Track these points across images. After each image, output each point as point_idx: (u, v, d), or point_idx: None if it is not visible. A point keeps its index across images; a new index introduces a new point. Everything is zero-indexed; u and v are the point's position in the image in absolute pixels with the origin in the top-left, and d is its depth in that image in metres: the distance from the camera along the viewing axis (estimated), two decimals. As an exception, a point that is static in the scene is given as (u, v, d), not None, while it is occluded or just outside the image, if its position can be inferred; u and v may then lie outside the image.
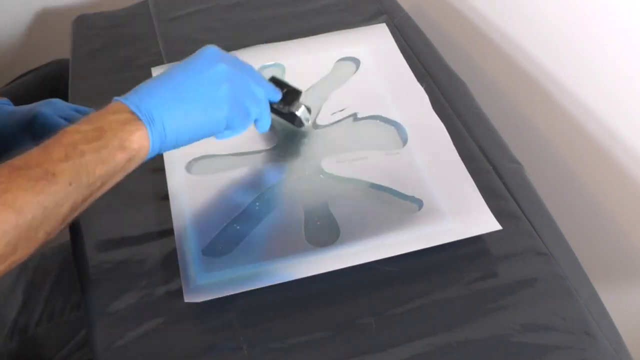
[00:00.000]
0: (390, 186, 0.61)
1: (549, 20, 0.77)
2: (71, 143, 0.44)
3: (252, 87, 0.54)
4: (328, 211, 0.60)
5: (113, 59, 0.82)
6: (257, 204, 0.61)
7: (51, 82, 0.92)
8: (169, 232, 0.59)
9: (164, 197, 0.62)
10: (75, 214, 0.46)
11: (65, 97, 0.77)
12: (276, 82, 0.62)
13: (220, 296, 0.53)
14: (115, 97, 0.49)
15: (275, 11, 0.87)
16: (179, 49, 0.81)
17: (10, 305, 0.72)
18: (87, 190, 0.45)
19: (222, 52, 0.54)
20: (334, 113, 0.69)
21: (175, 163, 0.64)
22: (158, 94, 0.49)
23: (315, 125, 0.69)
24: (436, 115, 0.67)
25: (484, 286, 0.55)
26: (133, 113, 0.47)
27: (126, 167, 0.47)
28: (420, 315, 0.53)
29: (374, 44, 0.77)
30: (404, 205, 0.60)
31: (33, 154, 0.44)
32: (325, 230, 0.58)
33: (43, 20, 1.12)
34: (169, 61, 0.78)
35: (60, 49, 0.89)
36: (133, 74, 0.78)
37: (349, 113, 0.69)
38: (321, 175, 0.63)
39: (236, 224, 0.59)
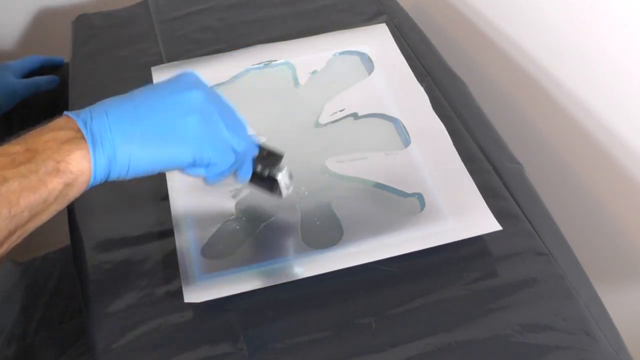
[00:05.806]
0: (392, 186, 0.61)
1: (549, 20, 0.77)
2: None
3: (223, 132, 0.46)
4: (331, 211, 0.60)
5: (113, 59, 0.81)
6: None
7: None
8: (169, 232, 0.59)
9: (164, 197, 0.62)
10: (4, 248, 0.39)
11: (65, 98, 0.77)
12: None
13: (220, 296, 0.53)
14: (66, 112, 0.43)
15: (275, 11, 0.87)
16: (179, 49, 0.81)
17: (8, 312, 0.72)
18: (11, 223, 0.38)
19: (202, 81, 0.47)
20: (334, 113, 0.69)
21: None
22: (114, 112, 0.42)
23: (317, 124, 0.68)
24: (436, 115, 0.67)
25: (484, 286, 0.55)
26: (79, 130, 0.41)
27: (65, 193, 0.40)
28: (420, 315, 0.53)
29: (374, 44, 0.77)
30: (405, 205, 0.60)
31: None
32: (327, 231, 0.58)
33: (43, 20, 1.12)
34: (169, 61, 0.78)
35: (60, 49, 0.89)
36: (133, 74, 0.77)
37: (349, 113, 0.69)
38: (321, 175, 0.63)
39: (236, 224, 0.59)
